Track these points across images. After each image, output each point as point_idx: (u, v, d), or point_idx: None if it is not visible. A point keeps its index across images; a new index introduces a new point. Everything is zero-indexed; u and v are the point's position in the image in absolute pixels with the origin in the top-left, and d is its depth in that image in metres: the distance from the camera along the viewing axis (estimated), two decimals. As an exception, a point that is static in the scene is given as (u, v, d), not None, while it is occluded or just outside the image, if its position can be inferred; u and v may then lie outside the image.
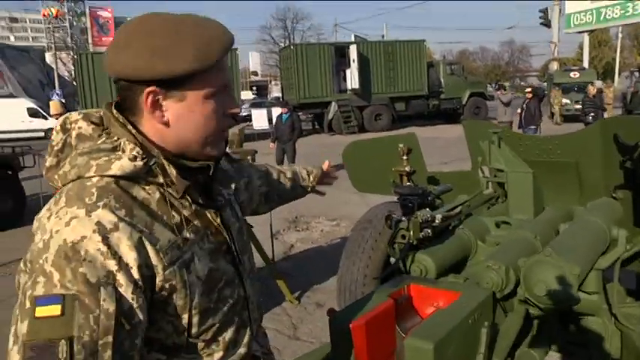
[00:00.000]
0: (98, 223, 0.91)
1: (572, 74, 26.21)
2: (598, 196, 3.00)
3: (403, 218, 2.45)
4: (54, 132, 1.07)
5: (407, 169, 3.12)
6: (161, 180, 1.03)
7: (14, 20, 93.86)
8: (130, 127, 1.04)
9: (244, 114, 26.80)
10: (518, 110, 13.19)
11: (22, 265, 0.94)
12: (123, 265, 0.91)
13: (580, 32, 32.05)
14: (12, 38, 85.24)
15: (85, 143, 1.03)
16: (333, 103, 23.58)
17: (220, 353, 1.11)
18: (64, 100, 30.59)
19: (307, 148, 17.60)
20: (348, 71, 24.10)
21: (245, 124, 8.10)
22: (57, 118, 9.28)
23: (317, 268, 5.77)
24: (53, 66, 48.44)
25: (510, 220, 2.75)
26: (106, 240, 0.90)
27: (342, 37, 52.00)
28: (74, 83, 35.68)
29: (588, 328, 2.49)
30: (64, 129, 1.05)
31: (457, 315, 1.78)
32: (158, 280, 0.97)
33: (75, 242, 0.89)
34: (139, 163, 1.00)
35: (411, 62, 24.97)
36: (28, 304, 0.87)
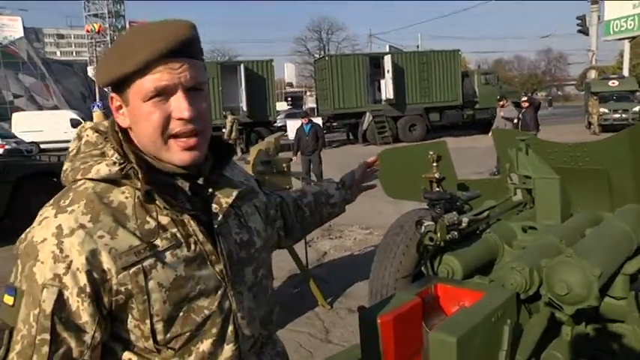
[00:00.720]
0: (58, 227, 0.99)
1: (610, 83, 25.64)
2: (628, 203, 3.02)
3: (431, 222, 2.55)
4: (72, 140, 1.15)
5: (436, 175, 3.21)
6: (139, 185, 1.05)
7: (61, 37, 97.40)
8: (120, 134, 1.10)
9: (279, 124, 27.12)
10: (515, 120, 12.50)
11: None
12: (72, 270, 0.97)
13: (620, 39, 31.34)
14: (58, 53, 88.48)
15: (89, 149, 1.11)
16: (368, 114, 23.65)
17: None
18: (105, 111, 31.62)
19: (342, 158, 17.68)
20: (382, 82, 24.21)
21: (281, 134, 8.02)
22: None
23: (350, 274, 5.86)
24: (94, 79, 50.01)
25: (537, 225, 2.81)
26: (60, 244, 0.97)
27: (377, 48, 52.24)
28: (114, 95, 36.57)
29: (618, 334, 2.51)
30: (79, 137, 1.14)
31: (480, 313, 1.86)
32: (113, 283, 1.00)
33: (37, 242, 0.98)
34: (115, 168, 1.05)
35: (445, 72, 24.91)
36: (5, 289, 1.02)
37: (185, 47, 1.04)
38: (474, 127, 25.89)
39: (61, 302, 0.97)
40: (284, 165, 4.57)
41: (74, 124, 32.23)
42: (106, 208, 1.03)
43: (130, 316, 1.04)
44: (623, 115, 23.07)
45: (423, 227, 2.63)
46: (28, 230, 1.03)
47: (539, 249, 2.42)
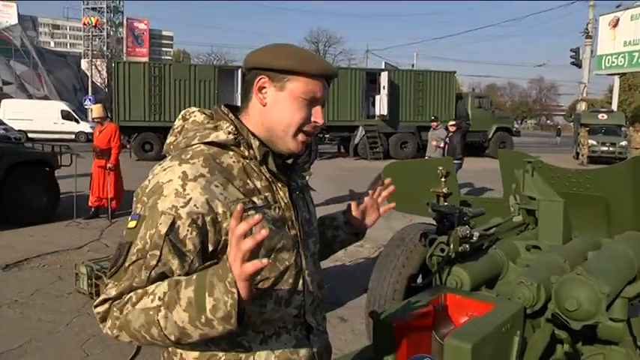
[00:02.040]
0: (183, 173, 1.21)
1: (600, 116, 26.13)
2: (626, 230, 3.12)
3: (437, 236, 2.62)
4: (177, 119, 1.40)
5: (444, 190, 3.28)
6: (246, 153, 1.31)
7: (56, 27, 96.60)
8: (231, 115, 1.36)
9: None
10: (441, 144, 12.44)
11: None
12: (189, 205, 1.18)
13: (611, 74, 31.98)
14: (52, 43, 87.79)
15: (196, 126, 1.35)
16: (361, 128, 23.77)
17: (272, 305, 1.30)
18: (102, 104, 31.51)
19: (334, 171, 17.77)
20: (377, 97, 24.33)
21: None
22: (98, 121, 9.34)
23: (340, 284, 5.90)
24: (87, 72, 49.67)
25: (540, 245, 2.89)
26: (184, 185, 1.20)
27: (373, 64, 52.71)
28: (106, 90, 36.34)
29: (612, 357, 2.59)
30: (184, 118, 1.39)
31: (492, 323, 1.93)
32: (224, 225, 1.21)
33: (163, 183, 1.21)
34: (230, 136, 1.31)
35: (440, 93, 25.14)
36: (129, 218, 1.23)
37: (332, 79, 1.38)
38: (464, 149, 26.01)
39: (173, 228, 1.17)
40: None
41: (64, 115, 32.04)
42: (218, 166, 1.27)
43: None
44: (611, 149, 23.53)
45: (428, 239, 2.71)
46: (150, 177, 1.26)
47: (545, 267, 2.50)
